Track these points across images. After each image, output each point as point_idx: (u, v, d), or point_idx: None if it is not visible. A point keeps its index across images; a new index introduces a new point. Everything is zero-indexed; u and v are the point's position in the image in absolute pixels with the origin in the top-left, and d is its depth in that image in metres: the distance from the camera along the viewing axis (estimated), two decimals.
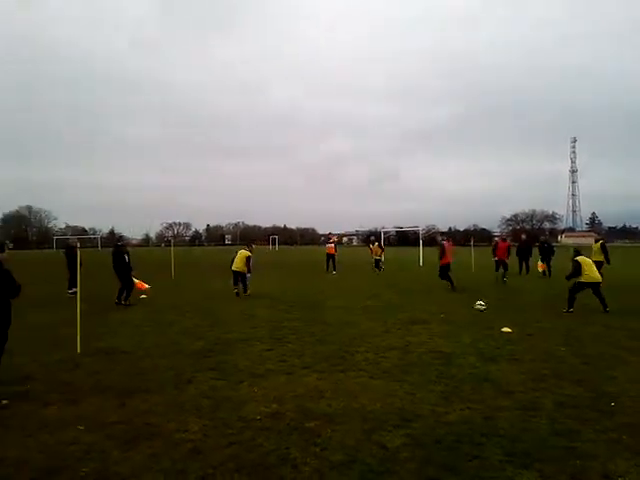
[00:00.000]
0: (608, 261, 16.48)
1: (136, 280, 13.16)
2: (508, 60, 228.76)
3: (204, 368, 6.57)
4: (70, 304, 11.51)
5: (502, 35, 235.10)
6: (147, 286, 12.95)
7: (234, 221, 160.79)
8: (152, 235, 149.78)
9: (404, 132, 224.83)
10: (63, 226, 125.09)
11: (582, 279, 11.24)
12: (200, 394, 5.49)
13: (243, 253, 14.92)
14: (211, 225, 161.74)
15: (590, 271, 11.27)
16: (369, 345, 7.93)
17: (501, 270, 18.33)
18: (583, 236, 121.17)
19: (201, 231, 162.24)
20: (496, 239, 24.35)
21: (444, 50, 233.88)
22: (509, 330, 8.98)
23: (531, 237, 23.05)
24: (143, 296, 14.25)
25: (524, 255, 21.48)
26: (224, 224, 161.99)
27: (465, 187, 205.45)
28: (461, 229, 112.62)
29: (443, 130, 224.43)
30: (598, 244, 16.91)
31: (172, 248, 25.39)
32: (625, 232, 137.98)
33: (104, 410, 5.03)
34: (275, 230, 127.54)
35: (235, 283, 14.85)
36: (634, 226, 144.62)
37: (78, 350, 7.50)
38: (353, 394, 5.47)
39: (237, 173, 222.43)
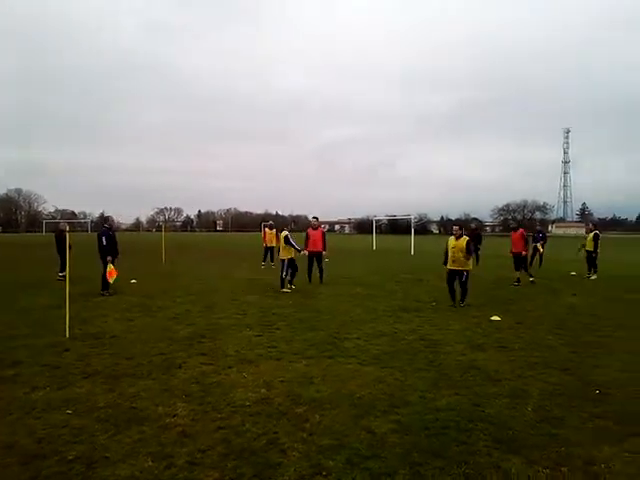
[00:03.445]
0: (596, 251, 16.68)
1: (111, 266, 11.36)
2: (507, 51, 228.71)
3: (194, 353, 6.56)
4: (59, 288, 11.44)
5: (503, 25, 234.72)
6: (115, 274, 11.45)
7: (225, 207, 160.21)
8: (143, 220, 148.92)
9: (401, 119, 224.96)
10: (52, 210, 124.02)
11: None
12: (189, 379, 5.49)
13: (282, 234, 13.31)
14: (202, 211, 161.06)
15: None
16: (359, 332, 7.95)
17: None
18: (573, 226, 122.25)
19: (192, 217, 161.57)
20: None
21: (444, 37, 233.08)
22: (498, 318, 9.05)
23: (480, 227, 22.23)
24: (133, 281, 14.18)
25: (474, 246, 20.83)
26: (216, 210, 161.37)
27: (459, 176, 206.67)
28: (453, 218, 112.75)
29: (440, 119, 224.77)
30: (591, 235, 17.11)
31: (163, 233, 25.24)
32: (614, 223, 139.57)
33: (93, 394, 5.01)
34: (267, 217, 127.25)
35: (286, 275, 13.05)
36: (623, 217, 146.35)
37: (67, 334, 7.45)
38: (342, 380, 5.49)
39: (231, 158, 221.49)
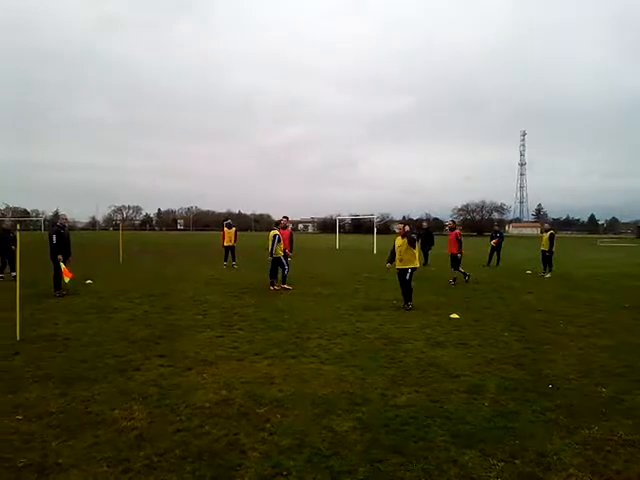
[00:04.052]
0: (551, 250, 17.29)
1: (63, 266, 10.95)
2: (466, 55, 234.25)
3: (152, 355, 6.41)
4: (9, 288, 10.95)
5: (458, 28, 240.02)
6: (70, 275, 11.01)
7: (187, 205, 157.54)
8: (99, 218, 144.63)
9: (363, 120, 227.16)
10: (3, 207, 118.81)
11: None
12: (147, 381, 5.35)
13: (271, 233, 13.28)
14: (163, 209, 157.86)
15: None
16: (321, 331, 7.97)
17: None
18: (528, 226, 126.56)
19: (152, 215, 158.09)
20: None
21: (404, 42, 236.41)
22: (457, 316, 9.25)
23: (433, 226, 22.02)
24: (89, 281, 13.74)
25: (425, 244, 20.45)
26: (176, 208, 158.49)
27: (422, 177, 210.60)
28: (415, 218, 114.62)
29: (402, 120, 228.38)
30: (547, 234, 17.71)
31: (121, 232, 24.55)
32: (568, 223, 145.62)
33: (44, 399, 4.81)
34: (229, 216, 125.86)
35: (272, 274, 13.31)
36: (576, 218, 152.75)
37: (17, 337, 7.14)
38: (304, 379, 5.48)
39: (191, 156, 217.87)
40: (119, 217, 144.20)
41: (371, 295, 12.13)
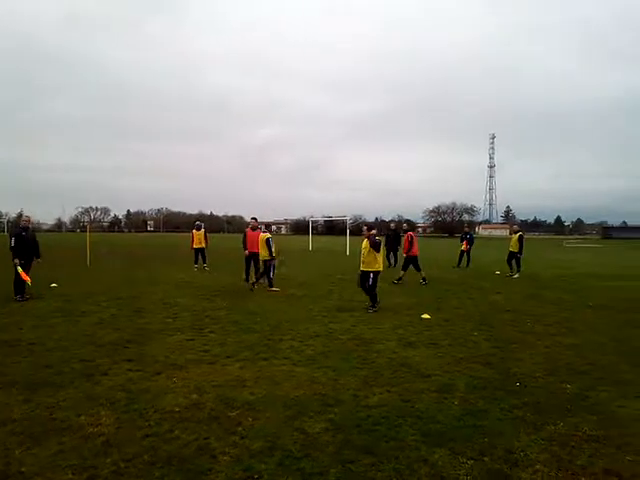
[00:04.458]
0: (521, 252, 17.69)
1: (19, 269, 10.71)
2: (440, 59, 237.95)
3: (120, 360, 6.26)
4: None
5: (436, 36, 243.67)
6: (27, 279, 10.71)
7: (157, 207, 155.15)
8: (66, 220, 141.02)
9: (338, 121, 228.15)
10: None
11: None
12: (115, 387, 5.23)
13: (262, 236, 13.35)
14: (132, 211, 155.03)
15: None
16: (294, 333, 7.95)
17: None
18: (497, 228, 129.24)
19: (121, 217, 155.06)
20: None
21: (378, 45, 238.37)
22: (428, 317, 9.36)
23: (401, 227, 21.75)
24: (54, 285, 13.36)
25: (393, 245, 20.35)
26: (146, 210, 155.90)
27: (394, 178, 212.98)
28: (387, 219, 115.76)
29: (376, 122, 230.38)
30: (516, 236, 18.11)
31: (88, 234, 23.97)
32: (535, 225, 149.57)
33: (8, 405, 4.65)
34: (201, 217, 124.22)
35: (273, 274, 13.27)
36: (543, 219, 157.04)
37: None
38: (276, 382, 5.45)
39: (162, 157, 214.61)
40: (86, 218, 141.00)
41: (344, 296, 12.16)
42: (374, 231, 10.58)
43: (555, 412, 4.63)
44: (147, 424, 4.28)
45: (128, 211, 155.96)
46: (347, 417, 4.46)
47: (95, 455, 3.70)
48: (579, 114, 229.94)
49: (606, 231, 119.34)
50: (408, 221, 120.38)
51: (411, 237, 15.17)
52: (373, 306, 10.20)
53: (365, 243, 10.31)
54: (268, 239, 13.30)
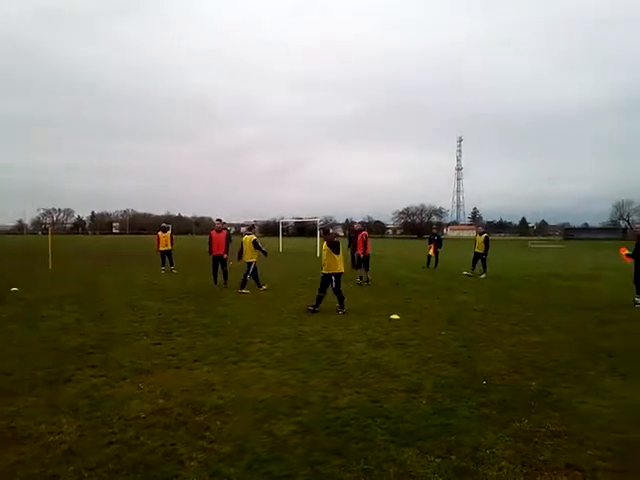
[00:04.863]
0: (486, 253, 18.06)
1: None
2: (409, 61, 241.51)
3: (84, 366, 6.08)
4: None
5: (405, 39, 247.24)
6: None
7: (123, 208, 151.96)
8: (27, 222, 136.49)
9: (310, 123, 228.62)
10: None
11: None
12: (78, 393, 5.07)
13: (249, 238, 13.19)
14: (97, 212, 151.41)
15: None
16: (263, 335, 7.89)
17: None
18: (465, 229, 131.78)
19: (85, 218, 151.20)
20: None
21: (351, 47, 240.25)
22: (397, 317, 9.44)
23: (364, 228, 21.47)
24: (14, 289, 12.89)
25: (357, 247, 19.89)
26: (112, 211, 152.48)
27: (365, 180, 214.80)
28: (357, 220, 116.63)
29: (348, 123, 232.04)
30: (482, 237, 18.48)
31: (50, 236, 23.26)
32: (501, 226, 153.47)
33: None
34: (168, 218, 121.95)
35: (249, 277, 13.15)
36: (509, 220, 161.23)
37: None
38: (245, 385, 5.39)
39: (129, 157, 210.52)
40: (48, 220, 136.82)
41: (314, 298, 12.11)
42: (332, 231, 10.72)
43: (520, 409, 4.73)
44: (111, 431, 4.16)
45: (92, 213, 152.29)
46: (316, 419, 4.44)
47: (57, 464, 3.57)
48: (545, 119, 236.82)
49: (568, 232, 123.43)
50: (378, 222, 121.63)
51: (365, 237, 15.41)
52: (342, 307, 10.22)
53: (324, 245, 10.40)
54: (255, 241, 13.28)
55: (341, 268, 10.38)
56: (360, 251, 15.13)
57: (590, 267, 24.03)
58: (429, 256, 21.64)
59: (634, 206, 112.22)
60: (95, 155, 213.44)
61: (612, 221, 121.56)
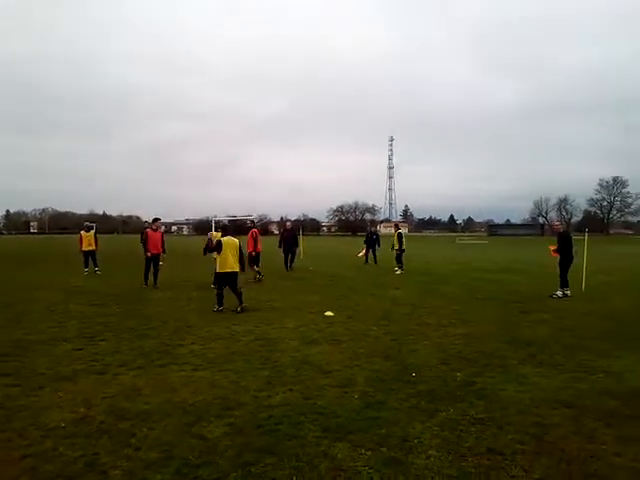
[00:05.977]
0: (400, 248, 18.62)
1: None
2: (343, 59, 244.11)
3: None
4: None
5: (344, 40, 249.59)
6: None
7: (41, 207, 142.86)
8: None
9: (246, 120, 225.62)
10: None
11: None
12: None
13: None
14: (12, 211, 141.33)
15: None
16: (194, 336, 7.68)
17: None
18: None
19: None
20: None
21: (285, 44, 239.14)
22: (332, 314, 9.52)
23: (297, 227, 21.80)
24: None
25: (289, 245, 18.97)
26: (29, 210, 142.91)
27: (300, 178, 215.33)
28: (292, 218, 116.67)
29: (285, 121, 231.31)
30: (396, 234, 19.20)
31: None
32: (431, 223, 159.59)
33: None
34: (92, 217, 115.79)
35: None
36: (438, 218, 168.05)
37: None
38: (174, 388, 5.21)
39: (48, 153, 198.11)
40: None
41: (246, 297, 11.98)
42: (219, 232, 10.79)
43: (447, 399, 4.91)
44: (27, 443, 3.88)
45: (7, 211, 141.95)
46: (248, 419, 4.38)
47: None
48: (471, 121, 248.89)
49: (492, 228, 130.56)
50: (313, 220, 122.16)
51: (255, 234, 15.61)
52: (241, 302, 10.14)
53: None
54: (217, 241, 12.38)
55: (231, 267, 10.28)
56: (250, 249, 15.17)
57: (511, 261, 25.49)
58: (366, 254, 22.14)
59: (551, 203, 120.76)
60: (6, 152, 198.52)
61: (532, 218, 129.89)
